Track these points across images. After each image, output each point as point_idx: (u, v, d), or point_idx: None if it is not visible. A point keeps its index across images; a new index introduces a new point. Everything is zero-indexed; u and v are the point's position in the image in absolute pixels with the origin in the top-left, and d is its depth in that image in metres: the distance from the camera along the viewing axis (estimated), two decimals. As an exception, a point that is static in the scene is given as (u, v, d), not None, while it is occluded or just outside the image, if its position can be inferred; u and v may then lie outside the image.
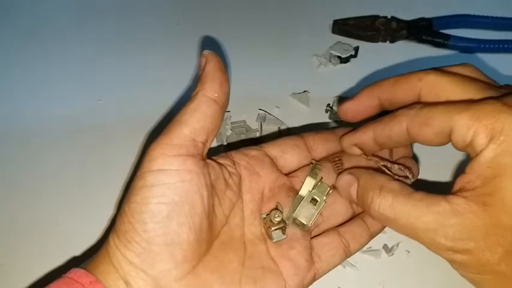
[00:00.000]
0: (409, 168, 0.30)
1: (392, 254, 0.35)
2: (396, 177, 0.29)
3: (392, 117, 0.28)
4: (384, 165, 0.30)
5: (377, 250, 0.35)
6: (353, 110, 0.31)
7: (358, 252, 0.35)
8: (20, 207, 0.38)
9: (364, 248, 0.34)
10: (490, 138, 0.23)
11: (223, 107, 0.27)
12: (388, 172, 0.30)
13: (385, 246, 0.35)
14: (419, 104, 0.27)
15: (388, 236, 0.36)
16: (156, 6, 0.53)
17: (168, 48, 0.49)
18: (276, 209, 0.30)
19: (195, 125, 0.26)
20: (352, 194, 0.29)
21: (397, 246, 0.35)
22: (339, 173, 0.31)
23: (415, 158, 0.32)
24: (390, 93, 0.29)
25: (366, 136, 0.30)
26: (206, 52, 0.27)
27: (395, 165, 0.30)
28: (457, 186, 0.25)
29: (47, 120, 0.43)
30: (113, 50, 0.49)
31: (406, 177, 0.30)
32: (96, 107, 0.44)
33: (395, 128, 0.27)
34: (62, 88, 0.46)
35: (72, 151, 0.41)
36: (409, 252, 0.35)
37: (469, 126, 0.24)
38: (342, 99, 0.43)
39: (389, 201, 0.26)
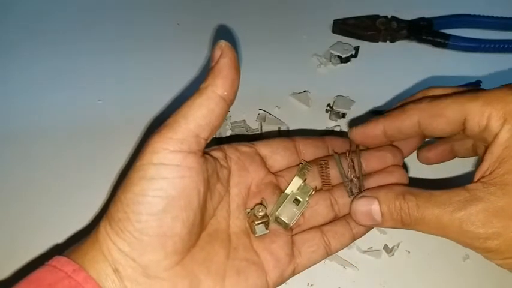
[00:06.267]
0: (359, 189, 0.31)
1: (393, 255, 0.35)
2: (346, 183, 0.31)
3: (403, 111, 0.29)
4: (349, 169, 0.32)
5: (377, 250, 0.35)
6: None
7: (358, 253, 0.35)
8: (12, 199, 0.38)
9: (365, 248, 0.34)
10: (504, 120, 0.25)
11: (230, 105, 0.27)
12: (345, 176, 0.32)
13: (385, 247, 0.35)
14: (427, 98, 0.29)
15: (388, 236, 0.36)
16: (156, 6, 0.53)
17: (168, 48, 0.49)
18: (261, 203, 0.30)
19: (201, 121, 0.26)
20: (374, 213, 0.29)
21: (398, 246, 0.35)
22: (323, 181, 0.32)
23: (405, 166, 0.33)
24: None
25: (377, 129, 0.31)
26: (222, 43, 0.26)
27: (356, 179, 0.32)
28: (477, 176, 0.26)
29: (47, 120, 0.43)
30: (113, 50, 0.49)
31: (351, 192, 0.31)
32: (96, 107, 0.44)
33: (406, 122, 0.29)
34: (62, 88, 0.46)
35: (71, 150, 0.41)
36: (409, 252, 0.35)
37: (483, 112, 0.25)
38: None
39: (414, 202, 0.27)
